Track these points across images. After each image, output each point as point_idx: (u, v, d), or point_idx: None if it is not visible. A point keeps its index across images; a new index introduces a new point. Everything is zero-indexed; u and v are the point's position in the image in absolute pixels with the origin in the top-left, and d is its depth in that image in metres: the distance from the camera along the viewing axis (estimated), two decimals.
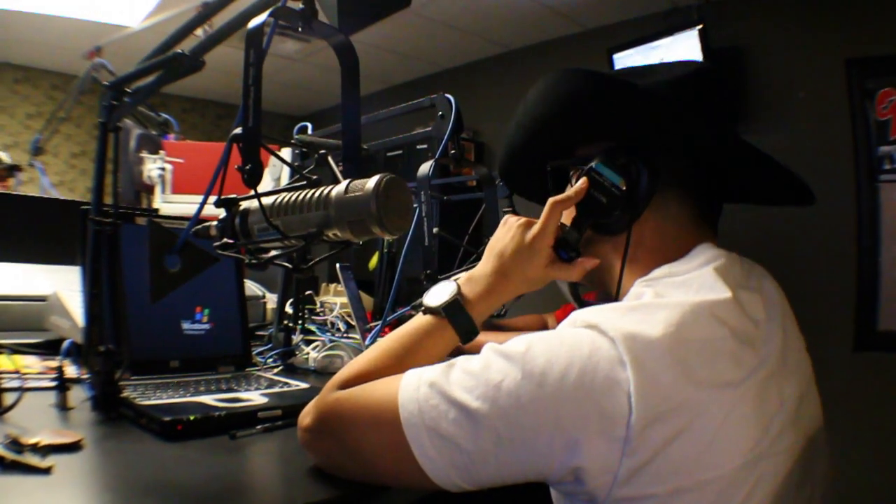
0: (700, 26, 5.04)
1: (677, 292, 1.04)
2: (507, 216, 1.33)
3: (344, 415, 1.07)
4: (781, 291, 1.20)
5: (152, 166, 3.66)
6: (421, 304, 1.53)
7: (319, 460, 1.13)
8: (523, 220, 1.27)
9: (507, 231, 1.27)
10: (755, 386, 0.98)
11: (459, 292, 1.23)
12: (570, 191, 1.21)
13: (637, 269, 1.17)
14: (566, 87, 1.21)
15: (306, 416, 1.12)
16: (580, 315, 1.01)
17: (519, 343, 0.99)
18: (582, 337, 0.96)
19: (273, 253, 1.16)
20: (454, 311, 1.21)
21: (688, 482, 0.91)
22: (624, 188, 1.15)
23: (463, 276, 1.28)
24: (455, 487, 0.98)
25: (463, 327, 1.21)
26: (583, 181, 1.20)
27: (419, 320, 1.23)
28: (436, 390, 0.98)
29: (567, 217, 1.24)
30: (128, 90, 1.49)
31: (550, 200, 1.22)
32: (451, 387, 0.97)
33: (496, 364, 0.97)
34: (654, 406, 0.89)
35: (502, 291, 1.24)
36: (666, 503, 0.91)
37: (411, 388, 1.00)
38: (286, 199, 1.07)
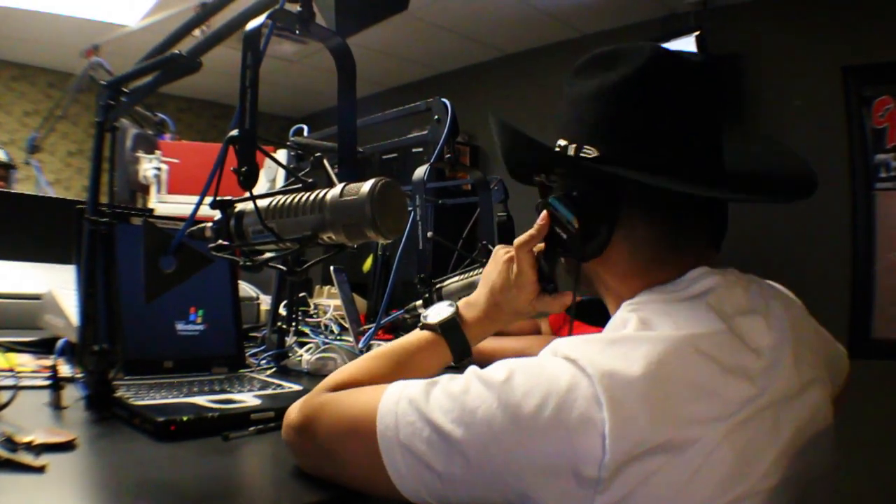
0: (697, 32, 5.05)
1: (663, 322, 1.00)
2: (497, 248, 1.36)
3: (326, 419, 1.09)
4: (796, 310, 1.19)
5: (148, 166, 3.66)
6: (415, 308, 1.54)
7: (299, 459, 1.15)
8: (510, 254, 1.30)
9: (496, 266, 1.32)
10: (745, 419, 0.94)
11: (458, 313, 1.27)
12: (532, 229, 1.22)
13: (624, 290, 1.14)
14: (501, 137, 1.22)
15: (293, 413, 1.14)
16: (561, 346, 0.98)
17: (500, 370, 0.97)
18: (561, 370, 0.93)
19: (268, 255, 1.16)
20: (450, 329, 1.24)
21: None
22: (577, 225, 1.13)
23: (462, 301, 1.32)
24: (424, 503, 0.99)
25: (457, 346, 1.25)
26: (543, 216, 1.20)
27: (415, 335, 1.25)
28: (414, 407, 0.98)
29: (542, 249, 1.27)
30: (125, 90, 1.50)
31: (515, 243, 1.26)
32: (430, 406, 0.97)
33: (475, 389, 0.96)
34: (628, 448, 0.86)
35: (496, 319, 1.29)
36: None
37: (391, 402, 1.01)
38: (281, 201, 1.08)
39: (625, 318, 1.04)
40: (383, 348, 1.23)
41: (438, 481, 0.94)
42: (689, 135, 1.13)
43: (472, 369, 1.01)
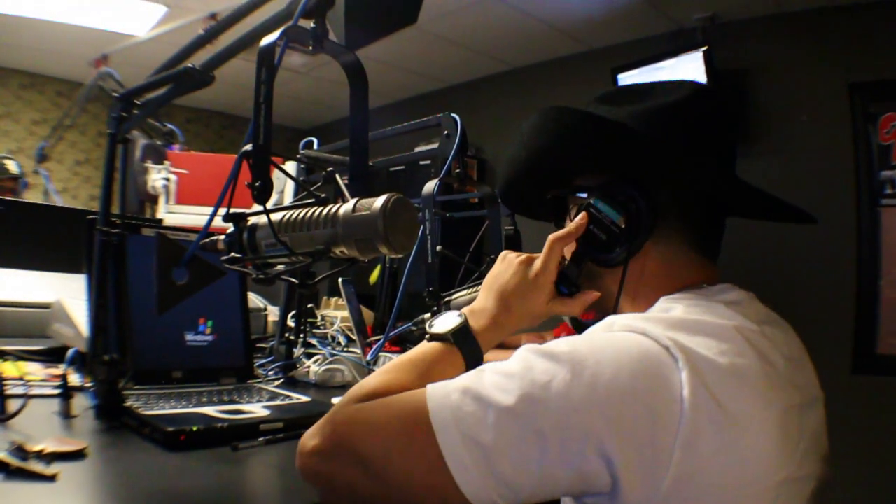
0: (705, 48, 5.05)
1: (707, 314, 1.02)
2: (504, 252, 1.33)
3: (365, 427, 0.99)
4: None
5: (157, 176, 3.68)
6: (423, 321, 1.53)
7: (328, 486, 1.03)
8: (524, 256, 1.28)
9: (508, 267, 1.28)
10: (785, 413, 0.97)
11: (466, 321, 1.22)
12: (569, 226, 1.21)
13: (641, 301, 1.16)
14: (557, 125, 1.21)
15: (312, 438, 1.02)
16: (618, 320, 1.00)
17: (561, 344, 0.96)
18: (631, 340, 0.95)
19: (280, 268, 1.16)
20: (463, 337, 1.19)
21: (734, 496, 0.90)
22: (623, 225, 1.15)
23: (465, 310, 1.27)
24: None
25: (471, 353, 1.18)
26: (582, 216, 1.19)
27: (425, 347, 1.20)
28: (470, 396, 0.93)
29: (567, 251, 1.24)
30: (137, 102, 1.51)
31: (551, 238, 1.23)
32: (488, 390, 0.93)
33: (540, 365, 0.93)
34: (705, 414, 0.88)
35: (505, 325, 1.23)
36: None
37: (440, 395, 0.95)
38: (294, 215, 1.08)
39: (666, 307, 1.06)
40: (400, 359, 1.18)
41: (511, 469, 0.89)
42: (726, 155, 1.23)
43: (526, 347, 0.99)
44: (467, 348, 1.18)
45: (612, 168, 1.20)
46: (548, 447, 0.88)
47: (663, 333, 0.94)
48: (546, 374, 0.92)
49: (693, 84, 1.22)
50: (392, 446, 0.96)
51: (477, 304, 1.28)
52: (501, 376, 0.94)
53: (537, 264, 1.25)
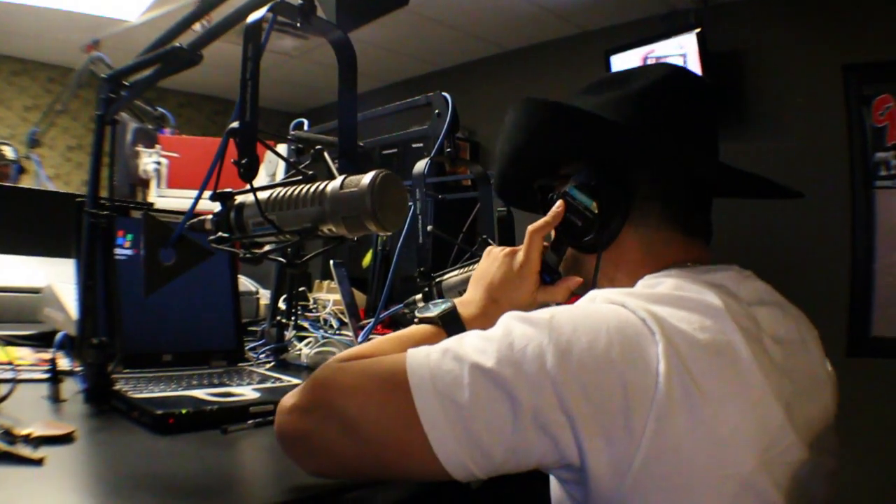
0: (698, 30, 5.06)
1: (691, 291, 1.02)
2: (489, 248, 1.37)
3: (346, 381, 0.98)
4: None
5: (148, 160, 3.67)
6: (414, 303, 1.53)
7: (305, 445, 1.00)
8: (507, 249, 1.32)
9: (493, 261, 1.32)
10: (768, 396, 0.95)
11: (455, 306, 1.24)
12: (547, 216, 1.24)
13: (623, 283, 1.15)
14: (531, 119, 1.24)
15: (292, 397, 1.01)
16: (600, 293, 1.00)
17: (543, 312, 0.97)
18: (609, 310, 0.95)
19: (267, 248, 1.16)
20: (451, 320, 1.21)
21: (707, 476, 0.89)
22: (596, 211, 1.18)
23: (455, 300, 1.29)
24: (463, 471, 0.90)
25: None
26: (558, 205, 1.23)
27: (413, 329, 1.21)
28: (450, 356, 0.93)
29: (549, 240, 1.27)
30: (125, 83, 1.50)
31: (529, 229, 1.27)
32: (467, 351, 0.93)
33: (519, 329, 0.94)
34: (680, 389, 0.87)
35: (494, 315, 1.16)
36: (680, 499, 0.89)
37: (420, 355, 0.95)
38: (281, 193, 1.07)
39: (652, 283, 1.07)
40: (388, 336, 1.19)
41: (484, 431, 0.88)
42: (705, 135, 1.24)
43: (509, 314, 0.99)
44: (454, 331, 1.15)
45: (591, 155, 1.23)
46: (521, 411, 0.88)
47: (642, 306, 0.94)
48: (524, 338, 0.92)
49: (671, 66, 1.25)
50: (369, 403, 0.95)
51: (466, 296, 1.32)
52: (482, 339, 0.95)
53: (520, 256, 1.29)
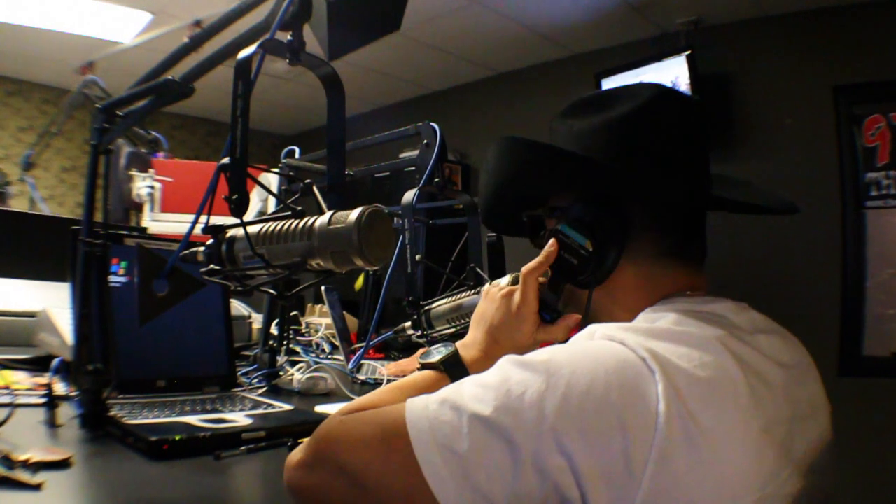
0: (688, 52, 5.10)
1: (691, 323, 1.01)
2: (486, 288, 1.35)
3: (348, 435, 0.99)
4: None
5: (141, 184, 3.68)
6: (403, 330, 1.54)
7: (313, 499, 1.02)
8: (505, 289, 1.29)
9: (492, 303, 1.29)
10: (769, 427, 0.96)
11: (457, 350, 1.24)
12: (540, 256, 1.21)
13: (622, 316, 1.12)
14: (513, 158, 1.22)
15: (298, 453, 1.03)
16: (599, 329, 0.99)
17: (540, 353, 0.95)
18: (608, 349, 0.93)
19: (259, 280, 1.18)
20: (453, 364, 1.22)
21: None
22: (591, 249, 1.14)
23: (457, 343, 1.29)
24: None
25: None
26: (551, 244, 1.19)
27: (415, 376, 1.22)
28: (448, 406, 0.92)
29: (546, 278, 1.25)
30: (119, 113, 1.52)
31: (523, 271, 1.24)
32: (465, 400, 0.92)
33: (516, 375, 0.92)
34: (680, 429, 0.86)
35: (496, 357, 1.14)
36: None
37: (419, 407, 0.94)
38: (271, 228, 1.09)
39: (650, 318, 1.06)
40: (390, 385, 1.19)
41: (485, 479, 0.87)
42: (695, 160, 1.21)
43: (506, 357, 0.98)
44: (457, 376, 1.15)
45: (579, 188, 1.20)
46: (521, 457, 0.87)
47: (642, 344, 0.93)
48: (521, 384, 0.91)
49: (656, 87, 1.21)
50: (372, 456, 0.95)
51: (467, 339, 1.30)
52: (479, 387, 0.94)
53: (517, 297, 1.26)
